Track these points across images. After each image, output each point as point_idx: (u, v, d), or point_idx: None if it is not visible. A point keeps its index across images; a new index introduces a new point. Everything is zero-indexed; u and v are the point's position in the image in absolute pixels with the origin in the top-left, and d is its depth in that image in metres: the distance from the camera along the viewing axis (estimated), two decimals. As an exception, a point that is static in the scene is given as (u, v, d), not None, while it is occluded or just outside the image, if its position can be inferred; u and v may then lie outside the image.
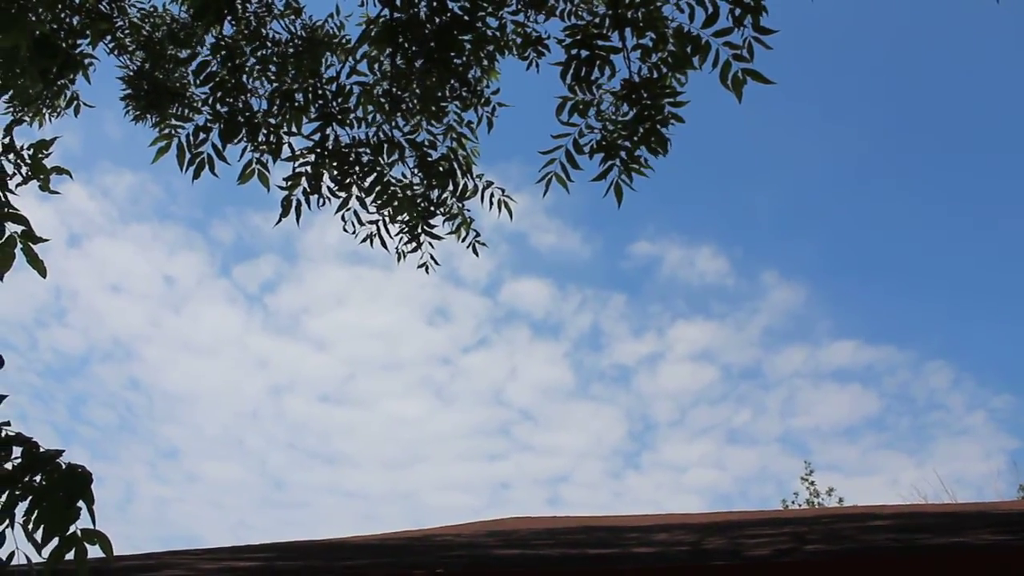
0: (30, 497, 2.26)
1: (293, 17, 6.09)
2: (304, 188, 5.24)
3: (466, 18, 4.98)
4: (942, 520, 6.36)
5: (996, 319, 27.81)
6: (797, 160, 24.86)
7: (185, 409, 27.69)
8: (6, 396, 2.56)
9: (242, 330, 26.75)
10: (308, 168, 5.24)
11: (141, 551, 6.63)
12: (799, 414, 30.42)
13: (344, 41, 6.21)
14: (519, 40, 5.53)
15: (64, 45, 5.65)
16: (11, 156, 3.19)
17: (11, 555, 2.18)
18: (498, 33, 5.49)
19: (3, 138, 3.20)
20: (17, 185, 3.12)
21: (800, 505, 21.97)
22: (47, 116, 6.35)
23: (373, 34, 5.19)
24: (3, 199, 2.81)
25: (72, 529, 2.22)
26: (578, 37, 4.75)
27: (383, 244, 5.62)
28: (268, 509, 27.03)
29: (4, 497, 2.21)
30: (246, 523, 26.93)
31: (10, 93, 5.91)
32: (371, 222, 5.65)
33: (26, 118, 6.19)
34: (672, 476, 29.69)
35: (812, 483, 22.48)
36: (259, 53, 5.72)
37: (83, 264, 22.63)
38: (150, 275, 24.63)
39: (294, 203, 5.21)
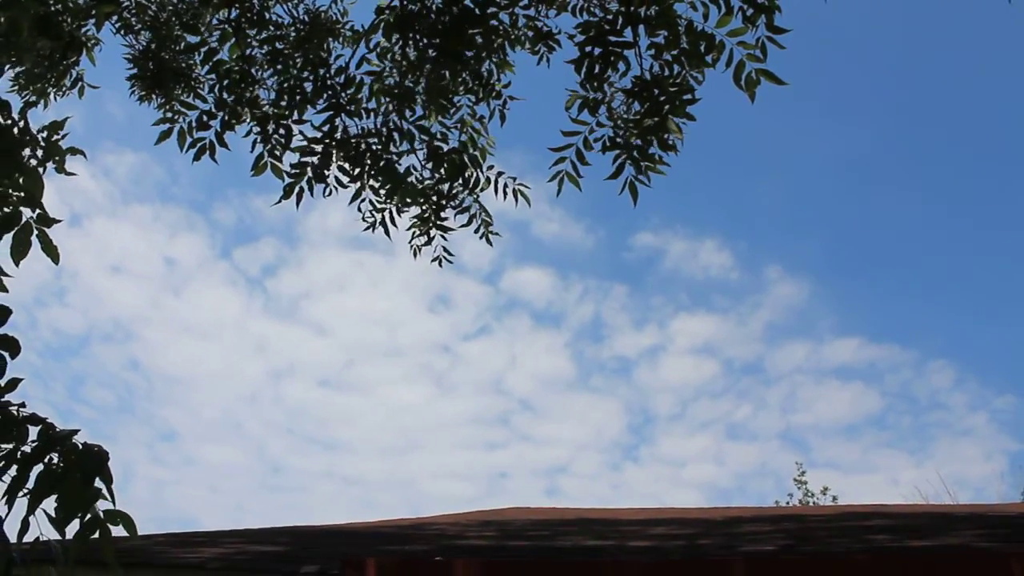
0: (49, 479, 2.25)
1: (296, 0, 6.06)
2: (309, 177, 5.23)
3: (477, 12, 4.97)
4: (936, 521, 6.42)
5: (1000, 320, 27.73)
6: (803, 156, 24.78)
7: (184, 392, 27.52)
8: (22, 380, 2.55)
9: (242, 313, 26.52)
10: (316, 159, 5.23)
11: (138, 533, 6.63)
12: (800, 410, 30.22)
13: (347, 27, 6.20)
14: (530, 34, 5.51)
15: (68, 26, 5.61)
16: (27, 138, 3.16)
17: (35, 540, 2.17)
18: (509, 28, 5.47)
19: (18, 120, 3.18)
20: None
21: (795, 505, 21.93)
22: (53, 96, 6.32)
23: (382, 25, 5.18)
24: (22, 184, 2.79)
25: (94, 511, 2.21)
26: (591, 33, 4.73)
27: (386, 232, 5.59)
28: (266, 493, 26.87)
29: (31, 482, 2.20)
30: (243, 507, 26.84)
31: (17, 71, 5.89)
32: (379, 211, 5.64)
33: (32, 98, 6.17)
34: (671, 470, 29.64)
35: (804, 483, 22.37)
36: (267, 47, 5.68)
37: (84, 244, 22.43)
38: (151, 256, 24.39)
39: (296, 189, 5.21)
